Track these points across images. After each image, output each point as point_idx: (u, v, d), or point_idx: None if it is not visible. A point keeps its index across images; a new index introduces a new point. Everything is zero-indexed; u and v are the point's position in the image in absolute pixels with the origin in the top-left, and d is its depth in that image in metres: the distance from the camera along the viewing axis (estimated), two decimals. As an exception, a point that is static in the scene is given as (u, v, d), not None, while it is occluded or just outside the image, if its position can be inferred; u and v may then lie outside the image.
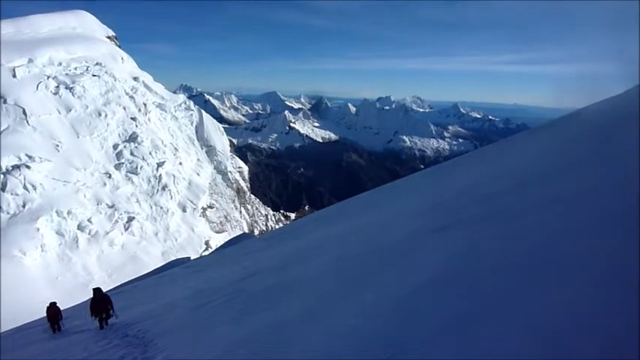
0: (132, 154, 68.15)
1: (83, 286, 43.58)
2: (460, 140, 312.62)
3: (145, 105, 78.17)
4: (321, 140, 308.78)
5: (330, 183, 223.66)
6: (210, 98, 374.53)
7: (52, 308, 14.24)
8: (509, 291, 3.42)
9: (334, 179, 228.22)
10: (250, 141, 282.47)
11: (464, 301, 3.58)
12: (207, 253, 56.80)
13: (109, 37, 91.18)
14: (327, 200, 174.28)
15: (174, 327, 9.07)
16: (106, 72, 74.16)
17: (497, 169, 13.39)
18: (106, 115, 68.28)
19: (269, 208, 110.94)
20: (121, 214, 59.11)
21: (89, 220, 54.34)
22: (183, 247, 62.79)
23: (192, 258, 39.67)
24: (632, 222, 3.45)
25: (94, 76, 71.52)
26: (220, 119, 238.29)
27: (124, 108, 72.78)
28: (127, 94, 75.86)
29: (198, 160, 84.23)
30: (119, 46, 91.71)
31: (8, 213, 48.08)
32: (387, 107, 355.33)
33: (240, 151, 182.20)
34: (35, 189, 51.27)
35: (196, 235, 67.23)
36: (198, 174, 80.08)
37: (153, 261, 52.79)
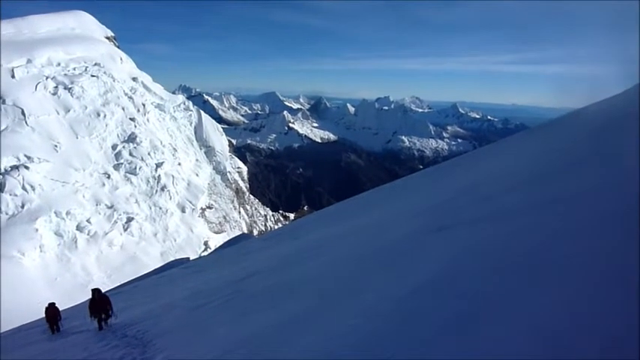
0: (131, 154, 68.11)
1: (82, 287, 43.48)
2: (459, 140, 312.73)
3: (143, 105, 78.11)
4: (319, 140, 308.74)
5: (329, 183, 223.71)
6: (209, 98, 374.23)
7: (51, 309, 14.21)
8: (509, 291, 3.42)
9: (333, 179, 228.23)
10: (249, 141, 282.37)
11: (464, 301, 3.58)
12: (206, 253, 56.74)
13: (107, 38, 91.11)
14: (326, 200, 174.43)
15: (174, 327, 9.06)
16: (104, 72, 74.11)
17: (496, 169, 13.40)
18: (104, 116, 68.22)
19: (268, 209, 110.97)
20: (119, 215, 59.07)
21: (88, 221, 54.29)
22: (182, 247, 62.75)
23: (191, 258, 39.61)
24: (632, 222, 3.45)
25: (92, 76, 71.46)
26: (219, 119, 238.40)
27: (123, 108, 72.74)
28: (125, 94, 75.82)
29: (197, 160, 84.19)
30: (118, 47, 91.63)
31: (7, 213, 48.01)
32: (385, 107, 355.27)
33: (239, 151, 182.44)
34: (34, 189, 51.20)
35: (195, 236, 67.20)
36: (197, 174, 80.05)
37: (152, 261, 52.74)
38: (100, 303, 12.13)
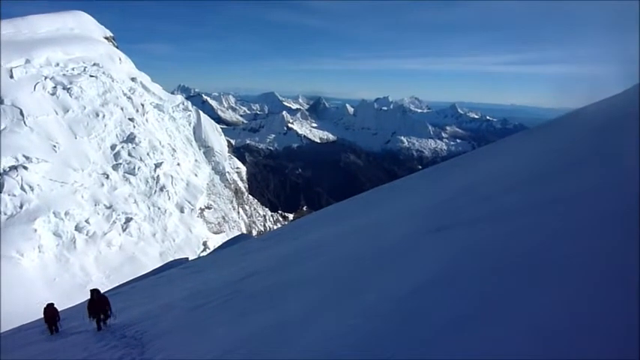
0: (129, 154, 68.06)
1: (81, 287, 43.43)
2: (458, 141, 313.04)
3: (142, 106, 78.04)
4: (319, 141, 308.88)
5: (328, 183, 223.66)
6: (208, 99, 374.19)
7: (50, 309, 14.19)
8: (508, 291, 3.42)
9: (332, 180, 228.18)
10: (248, 141, 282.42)
11: (464, 301, 3.58)
12: (205, 253, 56.71)
13: (106, 38, 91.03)
14: (325, 201, 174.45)
15: (173, 328, 9.06)
16: (103, 72, 74.04)
17: (495, 170, 13.40)
18: (103, 116, 68.17)
19: (267, 209, 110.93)
20: (118, 215, 59.01)
21: (87, 221, 54.23)
22: (181, 247, 62.69)
23: (190, 259, 39.61)
24: (632, 222, 3.45)
25: (91, 76, 71.39)
26: (218, 120, 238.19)
27: (122, 109, 72.69)
28: (124, 94, 75.78)
29: (195, 160, 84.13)
30: (117, 47, 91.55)
31: (5, 214, 47.93)
32: (384, 108, 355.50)
33: (238, 151, 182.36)
34: (32, 190, 51.13)
35: (194, 236, 67.14)
36: (195, 175, 79.99)
37: (151, 262, 52.69)
38: (98, 303, 12.13)
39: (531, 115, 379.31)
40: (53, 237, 49.62)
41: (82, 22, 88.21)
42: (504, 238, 4.99)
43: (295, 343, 4.50)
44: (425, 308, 3.87)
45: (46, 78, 64.94)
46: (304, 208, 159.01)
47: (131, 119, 72.59)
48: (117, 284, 33.54)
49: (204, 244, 66.27)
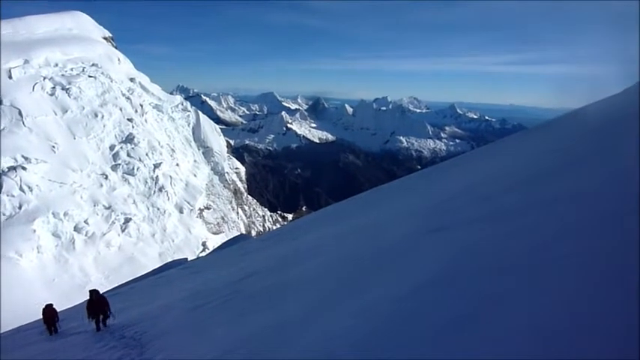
0: (128, 155, 68.05)
1: (80, 288, 43.39)
2: (457, 141, 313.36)
3: (141, 106, 78.03)
4: (318, 141, 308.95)
5: (327, 184, 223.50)
6: (207, 99, 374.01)
7: (49, 310, 14.17)
8: (508, 291, 3.42)
9: (331, 180, 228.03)
10: (247, 142, 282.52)
11: (463, 301, 3.58)
12: (204, 254, 56.66)
13: (105, 38, 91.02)
14: (324, 201, 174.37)
15: (172, 328, 9.05)
16: (102, 73, 74.06)
17: (494, 170, 13.40)
18: (102, 117, 68.16)
19: (266, 209, 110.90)
20: (117, 216, 58.99)
21: (86, 222, 54.21)
22: (180, 248, 62.66)
23: (189, 259, 39.58)
24: (632, 222, 3.45)
25: (90, 77, 71.40)
26: (217, 120, 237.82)
27: (121, 109, 72.70)
28: (123, 95, 75.78)
29: (195, 161, 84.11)
30: (115, 47, 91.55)
31: (4, 214, 47.90)
32: (383, 108, 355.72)
33: (237, 152, 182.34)
34: (31, 190, 51.11)
35: (193, 237, 67.11)
36: (195, 175, 79.98)
37: (150, 262, 52.65)
38: (97, 304, 12.12)
39: (530, 115, 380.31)
40: (52, 237, 49.60)
41: (81, 22, 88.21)
42: (504, 238, 4.98)
43: (295, 343, 4.50)
44: (425, 308, 3.87)
45: (44, 78, 64.95)
46: (303, 209, 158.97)
47: (130, 120, 72.59)
48: (116, 285, 33.51)
49: (204, 244, 66.24)
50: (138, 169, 67.34)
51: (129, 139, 69.72)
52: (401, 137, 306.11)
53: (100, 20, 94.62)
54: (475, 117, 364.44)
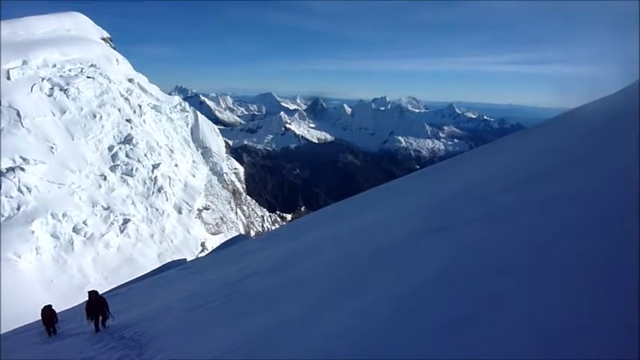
0: (127, 155, 68.00)
1: (79, 289, 43.33)
2: (455, 140, 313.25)
3: (140, 107, 77.99)
4: (316, 141, 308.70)
5: (326, 184, 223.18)
6: (206, 99, 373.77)
7: (48, 311, 14.12)
8: (508, 291, 3.42)
9: (330, 180, 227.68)
10: (246, 142, 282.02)
11: (463, 301, 3.57)
12: (203, 254, 56.64)
13: (103, 39, 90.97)
14: (323, 201, 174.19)
15: (171, 329, 9.04)
16: (100, 74, 74.00)
17: (493, 169, 13.40)
18: (100, 117, 68.10)
19: (265, 210, 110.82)
20: (116, 216, 58.93)
21: (84, 223, 54.15)
22: (179, 248, 62.64)
23: (188, 260, 39.55)
24: (632, 222, 3.45)
25: (88, 77, 71.33)
26: (216, 120, 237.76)
27: (119, 110, 72.65)
28: (121, 95, 75.73)
29: (193, 161, 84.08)
30: (114, 48, 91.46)
31: (3, 216, 47.81)
32: (382, 108, 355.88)
33: (235, 152, 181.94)
34: (30, 191, 51.03)
35: (192, 237, 67.08)
36: (193, 175, 79.94)
37: (149, 263, 52.62)
38: (97, 305, 12.09)
39: (528, 114, 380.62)
40: (51, 238, 49.53)
41: (79, 23, 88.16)
42: (503, 238, 4.98)
43: (295, 343, 4.50)
44: (425, 308, 3.87)
45: (43, 79, 64.90)
46: (302, 209, 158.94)
47: (128, 120, 72.54)
48: (115, 285, 33.46)
49: (203, 245, 66.23)
50: (136, 169, 67.29)
51: (127, 140, 69.66)
52: (399, 137, 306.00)
53: (99, 21, 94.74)
54: (474, 117, 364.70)
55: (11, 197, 49.36)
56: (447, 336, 3.16)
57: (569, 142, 11.65)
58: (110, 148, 66.96)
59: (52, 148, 57.77)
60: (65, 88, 66.29)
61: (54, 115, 62.30)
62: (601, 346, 2.28)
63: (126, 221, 59.36)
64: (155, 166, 70.33)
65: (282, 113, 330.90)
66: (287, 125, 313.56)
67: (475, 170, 15.33)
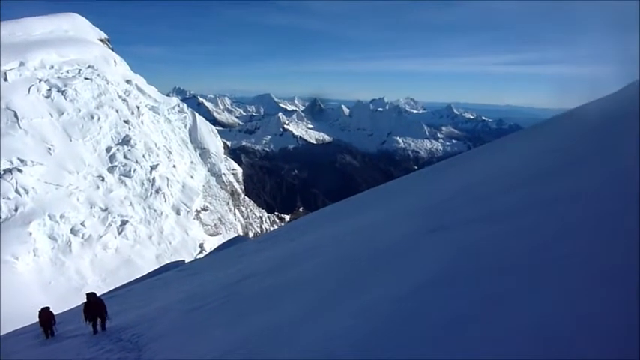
0: (125, 157, 67.90)
1: (77, 291, 43.28)
2: (453, 141, 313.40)
3: (137, 108, 77.95)
4: (315, 142, 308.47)
5: (325, 185, 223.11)
6: (204, 100, 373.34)
7: (45, 313, 14.08)
8: (508, 291, 3.41)
9: (328, 181, 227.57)
10: (244, 143, 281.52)
11: (463, 301, 3.57)
12: (201, 256, 56.60)
13: (101, 40, 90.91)
14: (321, 202, 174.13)
15: (169, 330, 9.02)
16: (98, 75, 73.90)
17: (491, 170, 13.42)
18: (98, 118, 68.01)
19: (263, 210, 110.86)
20: (114, 218, 58.85)
21: (82, 224, 54.04)
22: (178, 250, 62.57)
23: (186, 261, 39.49)
24: (632, 222, 3.45)
25: (86, 79, 71.22)
26: (214, 121, 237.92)
27: (117, 111, 72.55)
28: (119, 96, 75.64)
29: (191, 162, 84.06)
30: (112, 49, 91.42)
31: (0, 217, 47.68)
32: (380, 109, 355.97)
33: (233, 153, 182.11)
34: (27, 193, 50.91)
35: (190, 238, 67.03)
36: (191, 177, 79.90)
37: (147, 264, 52.57)
38: (95, 307, 12.06)
39: (526, 115, 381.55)
40: (48, 240, 49.42)
41: (77, 24, 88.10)
42: (502, 238, 4.98)
43: (294, 344, 4.49)
44: (424, 308, 3.86)
45: (40, 80, 64.77)
46: (300, 210, 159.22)
47: (126, 121, 72.47)
48: (113, 287, 33.37)
49: (201, 246, 66.18)
50: (134, 171, 67.20)
51: (125, 141, 69.58)
52: (398, 138, 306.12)
53: (96, 22, 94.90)
54: (472, 117, 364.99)
55: (9, 199, 49.23)
56: (447, 336, 3.15)
57: (569, 142, 11.67)
58: (108, 150, 66.88)
59: (49, 149, 57.66)
60: (63, 89, 66.19)
61: (51, 116, 62.19)
62: (601, 346, 2.28)
63: (124, 223, 59.28)
64: (153, 168, 70.27)
65: (280, 114, 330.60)
66: (285, 126, 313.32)
67: (474, 170, 15.34)
